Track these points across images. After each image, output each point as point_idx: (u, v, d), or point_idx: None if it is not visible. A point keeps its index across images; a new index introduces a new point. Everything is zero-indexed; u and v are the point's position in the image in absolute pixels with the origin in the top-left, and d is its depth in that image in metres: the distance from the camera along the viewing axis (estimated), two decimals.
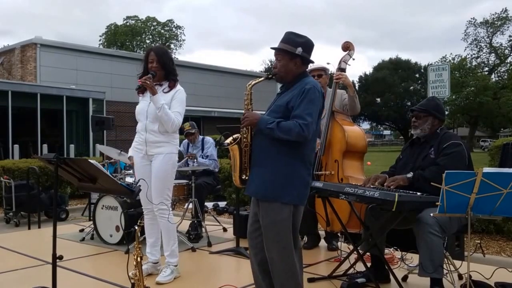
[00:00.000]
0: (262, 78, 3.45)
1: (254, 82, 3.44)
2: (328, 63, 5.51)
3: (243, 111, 3.42)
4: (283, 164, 3.26)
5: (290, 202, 3.26)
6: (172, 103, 4.47)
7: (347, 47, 5.38)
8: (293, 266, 3.30)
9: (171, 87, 4.54)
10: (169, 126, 4.41)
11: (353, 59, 5.37)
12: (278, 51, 3.37)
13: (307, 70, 3.38)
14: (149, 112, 4.47)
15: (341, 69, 5.32)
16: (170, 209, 4.63)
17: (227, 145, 3.38)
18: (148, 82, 4.34)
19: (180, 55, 62.92)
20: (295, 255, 3.32)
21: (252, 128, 3.37)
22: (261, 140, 3.33)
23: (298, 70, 3.38)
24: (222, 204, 9.66)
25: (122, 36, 51.23)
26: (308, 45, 3.39)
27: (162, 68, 4.50)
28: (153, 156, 4.50)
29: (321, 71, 5.50)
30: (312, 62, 3.49)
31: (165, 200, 4.52)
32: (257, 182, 3.32)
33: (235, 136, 3.39)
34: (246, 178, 3.41)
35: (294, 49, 3.32)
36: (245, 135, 3.38)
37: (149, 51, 4.59)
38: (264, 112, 3.49)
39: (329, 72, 5.55)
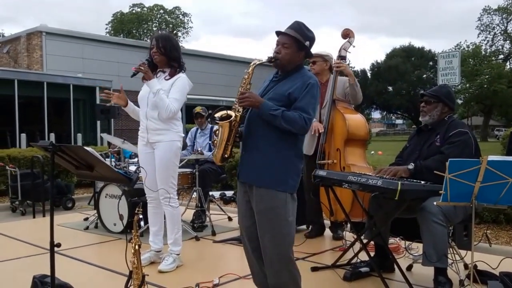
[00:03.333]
0: (265, 60, 3.30)
1: (258, 62, 3.31)
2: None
3: (241, 90, 3.27)
4: (282, 152, 3.19)
5: (285, 190, 3.19)
6: (171, 89, 4.40)
7: (347, 34, 5.32)
8: (287, 254, 3.21)
9: (172, 74, 4.47)
10: (163, 112, 4.33)
11: (353, 46, 5.31)
12: (289, 38, 3.24)
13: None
14: (150, 98, 4.40)
15: (341, 57, 5.28)
16: (176, 197, 4.60)
17: (219, 119, 3.25)
18: (142, 68, 4.28)
19: (188, 43, 62.70)
20: (290, 243, 3.24)
21: (248, 108, 3.27)
22: (260, 125, 3.21)
23: (299, 62, 3.32)
24: (229, 193, 9.61)
25: (129, 24, 51.16)
26: (313, 41, 3.32)
27: (162, 54, 4.41)
28: (155, 143, 4.46)
29: (316, 58, 5.44)
30: (310, 57, 3.44)
31: (170, 188, 4.48)
32: (254, 168, 3.22)
33: (229, 112, 3.26)
34: (226, 156, 3.31)
35: (304, 42, 3.24)
36: (238, 113, 3.25)
37: (152, 37, 4.54)
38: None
39: (328, 59, 5.48)
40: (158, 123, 4.42)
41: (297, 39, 3.22)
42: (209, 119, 7.01)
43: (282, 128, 3.12)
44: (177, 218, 4.61)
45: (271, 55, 3.29)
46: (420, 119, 4.20)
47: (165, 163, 4.43)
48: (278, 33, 3.31)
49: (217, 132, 3.32)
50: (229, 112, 3.28)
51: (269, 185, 3.16)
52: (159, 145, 4.44)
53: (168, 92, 4.37)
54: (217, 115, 3.29)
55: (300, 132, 3.17)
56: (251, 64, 3.33)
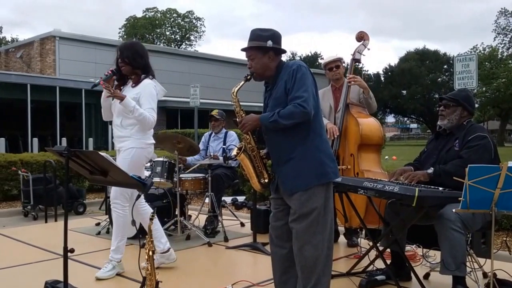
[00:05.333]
0: (243, 82, 3.41)
1: (237, 89, 3.43)
2: (351, 55, 5.37)
3: (238, 119, 3.38)
4: (306, 148, 3.24)
5: (325, 181, 3.27)
6: (141, 100, 4.43)
7: (362, 37, 5.27)
8: (326, 253, 3.31)
9: (136, 82, 4.52)
10: (146, 125, 4.41)
11: (368, 49, 5.25)
12: (249, 50, 3.34)
13: (323, 65, 3.23)
14: (116, 106, 4.49)
15: (356, 60, 5.25)
16: (126, 205, 4.52)
17: (235, 156, 3.36)
18: (112, 91, 4.40)
19: (200, 46, 62.94)
20: (329, 240, 3.34)
21: (254, 130, 3.36)
22: (274, 138, 3.32)
23: (274, 63, 3.34)
24: (241, 198, 9.56)
25: (142, 29, 51.45)
26: (276, 36, 3.35)
27: (127, 64, 4.45)
28: (118, 150, 4.53)
29: (338, 62, 5.39)
30: (285, 51, 3.44)
31: (120, 195, 4.45)
32: (290, 178, 3.27)
33: (239, 145, 3.38)
34: (266, 181, 3.39)
35: (265, 43, 3.28)
36: (248, 141, 3.36)
37: (117, 48, 4.55)
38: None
39: (343, 61, 5.46)
40: (121, 131, 4.48)
41: (256, 46, 3.30)
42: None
43: (289, 126, 3.17)
44: (123, 225, 4.55)
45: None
46: (439, 123, 4.13)
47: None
48: (243, 50, 3.40)
49: (243, 167, 3.43)
50: (239, 145, 3.41)
51: (309, 186, 3.22)
52: (120, 151, 4.49)
53: (136, 100, 4.41)
54: (233, 153, 3.42)
55: (305, 117, 3.18)
56: (232, 93, 3.44)
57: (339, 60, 5.40)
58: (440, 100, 4.16)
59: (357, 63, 5.30)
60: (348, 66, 5.33)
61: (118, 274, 4.49)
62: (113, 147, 16.85)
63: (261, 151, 3.40)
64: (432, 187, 3.65)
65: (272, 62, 3.33)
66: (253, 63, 3.33)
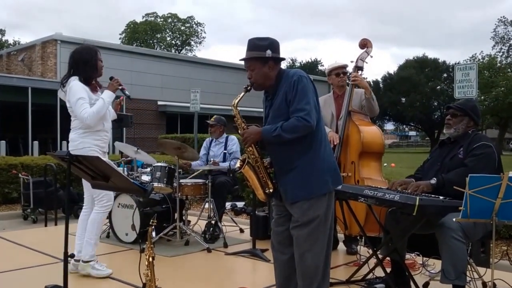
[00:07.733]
0: (243, 93, 3.39)
1: (237, 101, 3.40)
2: (351, 61, 5.36)
3: (240, 132, 3.38)
4: (308, 158, 3.24)
5: (327, 191, 3.27)
6: None
7: (365, 44, 5.24)
8: (326, 261, 3.30)
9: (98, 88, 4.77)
10: None
11: (371, 57, 5.23)
12: (249, 60, 3.32)
13: (329, 70, 3.22)
14: (110, 112, 4.79)
15: (359, 67, 5.20)
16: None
17: (239, 169, 3.34)
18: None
19: (200, 51, 63.13)
20: (327, 247, 3.32)
21: (256, 144, 3.34)
22: (276, 148, 3.31)
23: (274, 72, 3.32)
24: (240, 204, 9.54)
25: (142, 34, 51.54)
26: (274, 45, 3.32)
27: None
28: (106, 153, 4.69)
29: (345, 68, 5.38)
30: (284, 59, 3.42)
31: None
32: (292, 188, 3.27)
33: (242, 158, 3.36)
34: (271, 191, 3.37)
35: (264, 53, 3.26)
36: (251, 153, 3.34)
37: (95, 50, 4.79)
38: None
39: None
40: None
41: (255, 57, 3.28)
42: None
43: (292, 139, 3.17)
44: None
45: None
46: (444, 131, 4.15)
47: None
48: (242, 60, 3.38)
49: (247, 179, 3.42)
50: (242, 157, 3.38)
51: (311, 195, 3.22)
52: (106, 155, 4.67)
53: None
54: (237, 166, 3.39)
55: (308, 130, 3.18)
56: (233, 105, 3.40)
57: (345, 66, 5.40)
58: (447, 109, 4.17)
59: (360, 71, 5.27)
60: (350, 77, 5.31)
61: (118, 280, 4.48)
62: (114, 151, 16.93)
63: (264, 160, 3.38)
64: (432, 196, 3.65)
65: (272, 71, 3.31)
66: (253, 74, 3.31)
